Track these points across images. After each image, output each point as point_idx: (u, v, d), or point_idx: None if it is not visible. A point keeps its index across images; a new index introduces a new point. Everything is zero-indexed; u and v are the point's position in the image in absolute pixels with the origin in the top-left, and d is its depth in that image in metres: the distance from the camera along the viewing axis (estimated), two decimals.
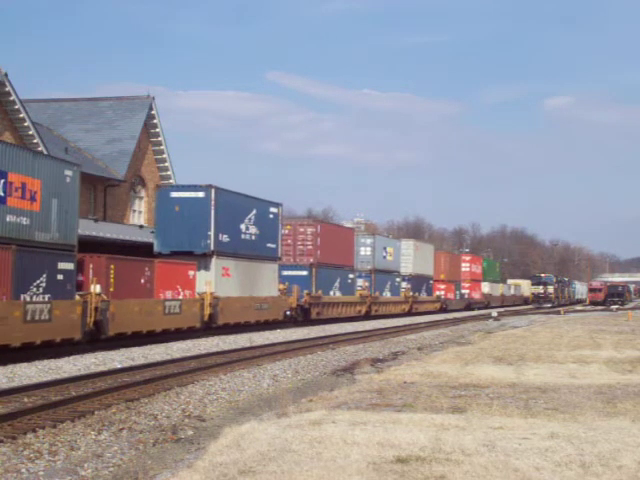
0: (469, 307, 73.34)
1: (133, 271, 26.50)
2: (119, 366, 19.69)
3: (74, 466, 9.47)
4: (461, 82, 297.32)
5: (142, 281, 26.83)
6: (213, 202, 31.63)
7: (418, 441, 9.18)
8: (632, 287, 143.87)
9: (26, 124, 35.42)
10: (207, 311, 30.66)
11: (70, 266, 23.16)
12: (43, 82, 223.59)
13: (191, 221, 31.61)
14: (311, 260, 42.64)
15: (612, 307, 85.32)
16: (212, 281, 31.25)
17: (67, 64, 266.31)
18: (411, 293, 58.65)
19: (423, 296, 61.98)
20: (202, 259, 31.47)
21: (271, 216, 37.16)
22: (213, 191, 31.77)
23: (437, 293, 65.98)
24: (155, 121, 47.70)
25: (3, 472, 9.02)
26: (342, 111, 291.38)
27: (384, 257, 54.19)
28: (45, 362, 20.02)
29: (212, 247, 31.58)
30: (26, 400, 13.85)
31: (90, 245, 27.54)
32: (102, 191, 42.75)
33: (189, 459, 9.34)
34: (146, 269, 27.21)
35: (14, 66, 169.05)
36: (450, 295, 68.76)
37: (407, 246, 59.86)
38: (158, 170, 48.28)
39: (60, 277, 22.55)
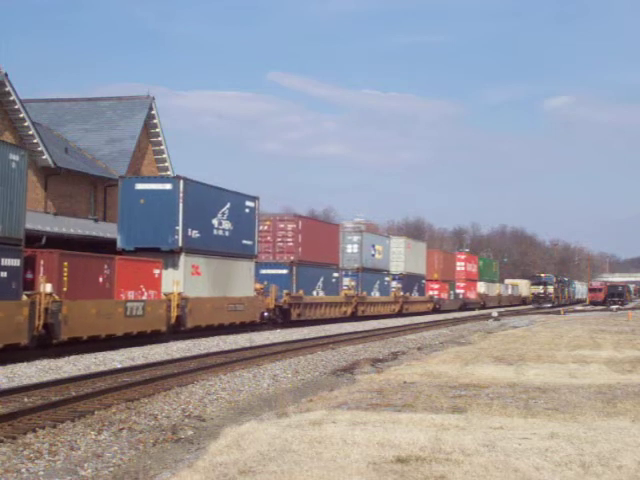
0: (464, 307, 71.76)
1: (90, 269, 24.04)
2: (119, 366, 19.68)
3: (74, 466, 9.47)
4: (461, 82, 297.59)
5: (100, 280, 24.44)
6: (181, 194, 29.39)
7: (418, 441, 9.18)
8: (632, 287, 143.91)
9: (26, 124, 35.41)
10: (174, 313, 28.34)
11: (16, 262, 20.80)
12: (43, 82, 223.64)
13: (157, 215, 29.32)
14: (292, 258, 40.25)
15: (612, 307, 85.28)
16: (180, 280, 29.05)
17: (67, 64, 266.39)
18: (402, 293, 56.55)
19: (415, 296, 59.96)
20: (169, 256, 29.23)
21: (247, 210, 34.83)
22: (181, 182, 29.63)
23: (430, 293, 64.08)
24: (155, 121, 47.69)
25: (3, 472, 9.02)
26: (343, 111, 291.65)
27: (372, 255, 51.81)
28: (45, 362, 20.01)
29: (180, 243, 29.33)
30: (26, 400, 13.85)
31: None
32: (102, 191, 42.72)
33: (189, 459, 9.34)
34: (105, 267, 24.78)
35: (14, 66, 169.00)
36: (444, 295, 66.87)
37: (398, 244, 57.68)
38: (158, 170, 48.25)
39: (3, 274, 20.20)
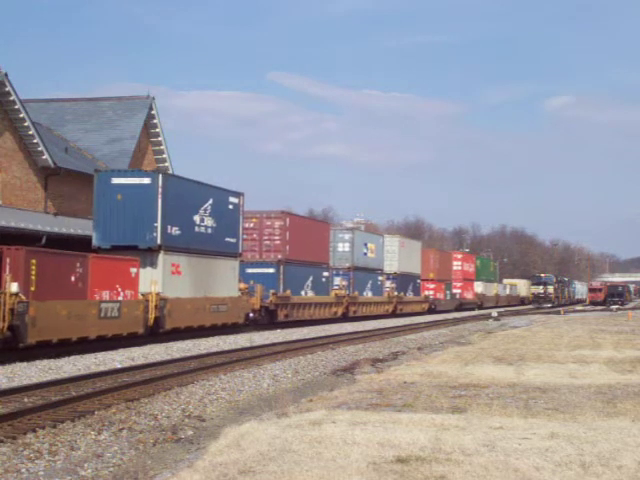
0: (460, 308, 70.55)
1: (61, 267, 22.61)
2: (119, 366, 19.68)
3: (74, 466, 9.47)
4: (462, 82, 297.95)
5: (72, 279, 22.99)
6: (160, 189, 27.89)
7: (418, 441, 9.18)
8: (632, 287, 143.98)
9: (26, 124, 35.39)
10: (152, 314, 26.72)
11: None
12: (43, 82, 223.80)
13: (135, 211, 27.82)
14: (279, 256, 38.79)
15: (612, 307, 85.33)
16: (159, 280, 27.55)
17: (68, 64, 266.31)
18: (396, 293, 55.01)
19: (409, 296, 58.41)
20: (148, 254, 27.73)
21: (231, 207, 33.22)
22: (160, 177, 28.20)
23: (425, 293, 62.79)
24: (155, 121, 47.67)
25: (3, 472, 9.02)
26: (343, 111, 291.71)
27: (365, 254, 50.38)
28: (45, 362, 20.01)
29: (159, 241, 27.79)
30: (26, 400, 13.84)
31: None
32: None
33: (189, 459, 9.34)
34: (77, 265, 23.25)
35: (14, 66, 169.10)
36: (440, 295, 65.58)
37: (391, 242, 56.18)
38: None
39: None
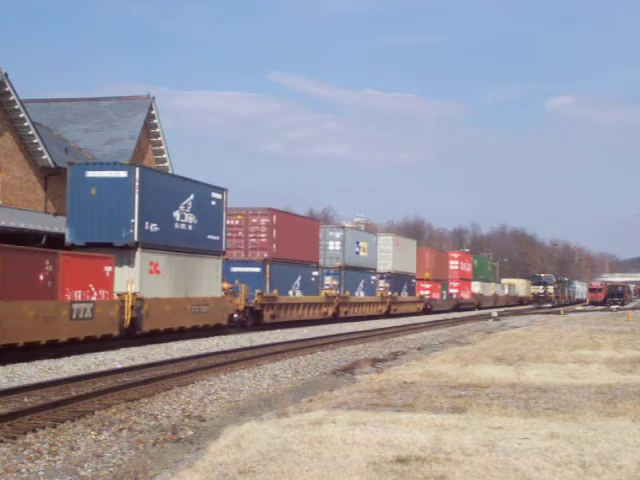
0: (457, 308, 69.68)
1: (28, 265, 21.23)
2: (119, 366, 19.68)
3: (74, 466, 9.47)
4: (462, 82, 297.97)
5: (41, 278, 21.59)
6: (138, 183, 26.45)
7: (418, 441, 9.17)
8: (632, 287, 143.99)
9: (26, 124, 35.40)
10: (128, 315, 25.28)
11: None
12: (43, 82, 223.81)
13: (110, 206, 26.41)
14: (265, 255, 37.28)
15: (612, 307, 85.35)
16: (136, 279, 26.16)
17: (67, 64, 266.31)
18: (389, 293, 53.71)
19: (404, 296, 57.19)
20: (124, 252, 26.32)
21: (213, 203, 31.68)
22: (137, 170, 26.64)
23: (421, 293, 61.63)
24: (155, 121, 47.69)
25: (3, 472, 9.02)
26: (344, 111, 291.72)
27: (357, 253, 49.02)
28: (45, 362, 20.01)
29: (136, 238, 26.33)
30: (26, 400, 13.85)
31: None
32: None
33: (189, 459, 9.34)
34: (47, 263, 21.82)
35: (14, 66, 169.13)
36: (436, 295, 64.43)
37: (385, 241, 54.82)
38: None
39: None
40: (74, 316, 22.69)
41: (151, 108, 47.27)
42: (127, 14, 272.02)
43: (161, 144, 48.33)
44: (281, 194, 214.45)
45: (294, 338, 30.96)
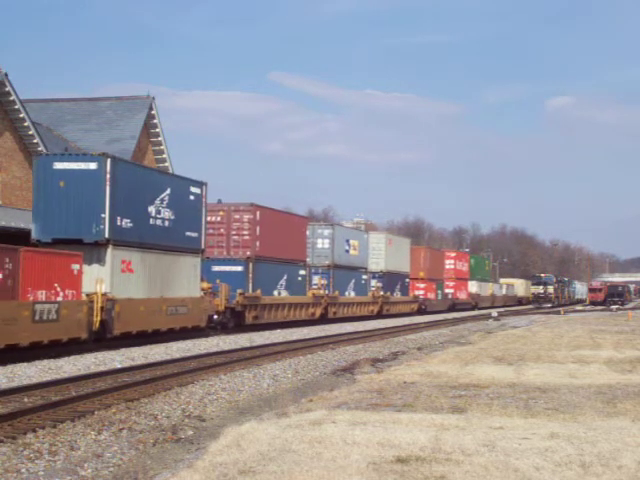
0: (453, 308, 68.20)
1: None
2: (119, 366, 19.68)
3: (74, 466, 9.47)
4: (462, 82, 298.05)
5: (0, 277, 20.20)
6: (109, 176, 24.82)
7: (418, 441, 9.18)
8: (632, 287, 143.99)
9: (26, 124, 35.40)
10: (98, 317, 23.67)
11: None
12: (43, 82, 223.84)
13: (80, 200, 24.81)
14: (247, 253, 35.44)
15: (612, 307, 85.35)
16: (106, 278, 24.58)
17: (67, 64, 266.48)
18: (382, 292, 51.81)
19: (397, 296, 55.20)
20: (94, 249, 24.76)
21: (192, 197, 29.91)
22: (109, 162, 24.94)
23: (415, 292, 59.72)
24: (155, 121, 47.68)
25: (3, 472, 9.02)
26: (344, 111, 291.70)
27: (347, 251, 47.09)
28: (45, 362, 20.00)
29: (107, 234, 24.72)
30: (26, 400, 13.85)
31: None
32: None
33: (189, 459, 9.34)
34: (6, 260, 20.18)
35: (14, 66, 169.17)
36: (430, 295, 62.29)
37: (377, 240, 52.96)
38: None
39: None
40: (37, 318, 21.07)
41: (151, 108, 47.26)
42: (127, 14, 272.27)
43: (161, 144, 48.33)
44: (281, 194, 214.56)
45: (294, 338, 30.96)
